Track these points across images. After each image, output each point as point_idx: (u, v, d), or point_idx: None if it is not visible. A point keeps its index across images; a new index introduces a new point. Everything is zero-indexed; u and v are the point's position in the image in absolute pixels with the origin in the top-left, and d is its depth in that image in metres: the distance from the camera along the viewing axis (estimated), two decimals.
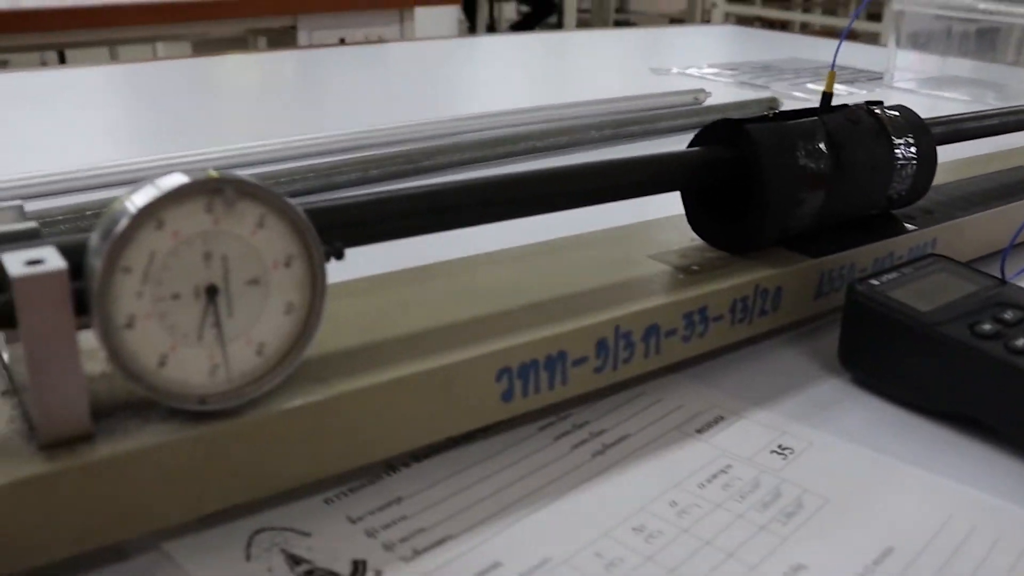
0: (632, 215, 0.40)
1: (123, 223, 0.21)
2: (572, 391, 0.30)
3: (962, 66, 1.00)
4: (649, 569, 0.24)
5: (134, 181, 0.51)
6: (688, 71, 1.01)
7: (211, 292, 0.23)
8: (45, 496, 0.21)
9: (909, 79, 0.99)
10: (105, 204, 0.45)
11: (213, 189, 0.22)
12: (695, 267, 0.35)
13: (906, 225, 0.42)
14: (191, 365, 0.23)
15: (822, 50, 1.23)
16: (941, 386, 0.32)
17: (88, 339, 0.22)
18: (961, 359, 0.31)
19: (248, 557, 0.24)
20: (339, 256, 0.25)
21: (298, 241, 0.23)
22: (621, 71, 1.08)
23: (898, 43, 0.99)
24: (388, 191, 0.27)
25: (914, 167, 0.40)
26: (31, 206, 0.43)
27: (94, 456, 0.22)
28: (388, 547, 0.25)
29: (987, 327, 0.32)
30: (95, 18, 1.57)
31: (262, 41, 1.94)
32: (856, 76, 1.02)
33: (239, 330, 0.23)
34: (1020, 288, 0.35)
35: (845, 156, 0.37)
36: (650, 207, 0.38)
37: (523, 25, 4.29)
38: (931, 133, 0.41)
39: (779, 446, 0.30)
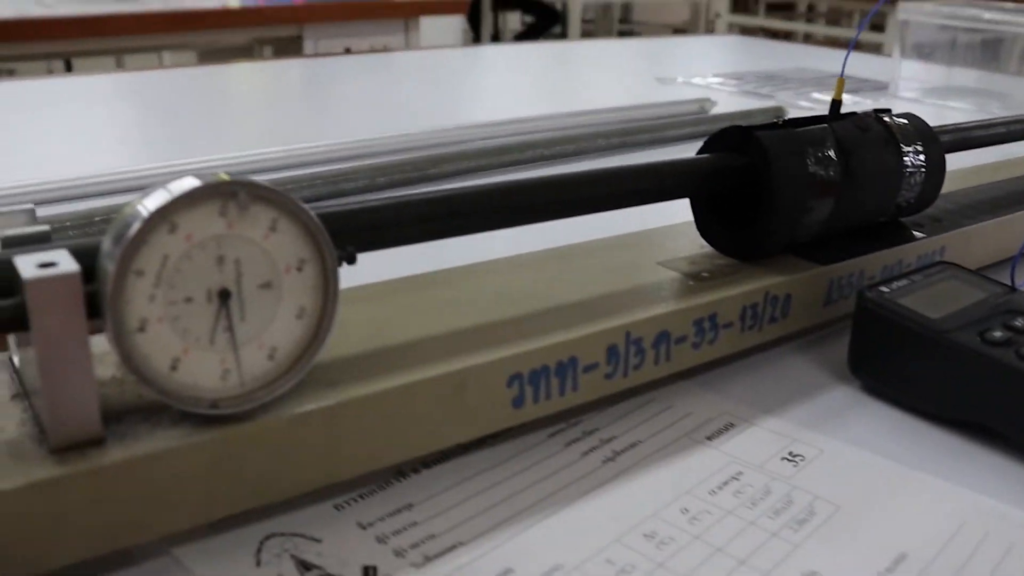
0: (635, 223, 0.40)
1: (136, 226, 0.21)
2: (583, 397, 0.30)
3: (967, 76, 1.00)
4: None
5: (141, 188, 0.51)
6: (693, 80, 1.01)
7: (223, 296, 0.22)
8: (56, 500, 0.21)
9: (914, 89, 0.99)
10: (113, 210, 0.45)
11: (227, 192, 0.22)
12: (705, 274, 0.35)
13: (914, 233, 0.42)
14: (203, 369, 0.23)
15: (826, 60, 1.23)
16: (951, 393, 0.32)
17: (98, 343, 0.22)
18: (972, 366, 0.31)
19: (258, 563, 0.24)
20: (351, 261, 0.25)
21: (311, 245, 0.23)
22: (626, 80, 1.08)
23: (903, 53, 0.99)
24: (400, 196, 0.27)
25: (923, 175, 0.40)
26: (39, 212, 0.44)
27: (105, 460, 0.22)
28: (399, 553, 0.25)
29: (998, 334, 0.32)
30: (102, 27, 1.58)
31: (268, 50, 1.94)
32: (861, 86, 1.02)
33: (251, 334, 0.23)
34: None
35: (854, 163, 0.37)
36: (651, 215, 0.38)
37: (527, 35, 4.30)
38: (939, 141, 0.41)
39: (790, 453, 0.30)
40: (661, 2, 4.75)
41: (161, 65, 1.84)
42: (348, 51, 1.83)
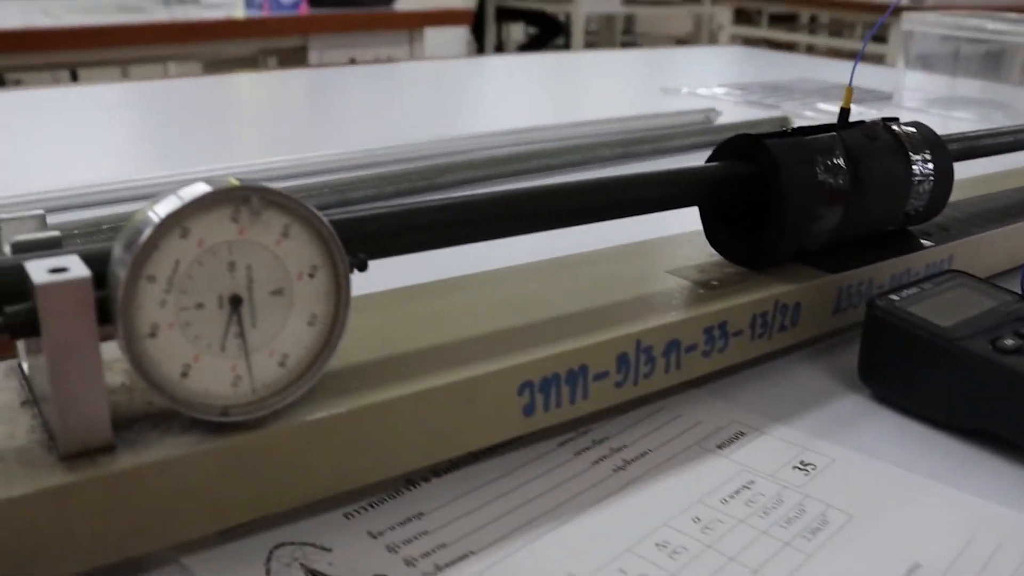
0: (638, 232, 0.39)
1: (148, 231, 0.21)
2: (593, 406, 0.30)
3: (970, 87, 1.00)
4: None
5: (148, 197, 0.51)
6: (698, 91, 1.01)
7: (235, 302, 0.22)
8: (66, 507, 0.21)
9: (917, 99, 0.99)
10: (120, 219, 0.45)
11: (239, 197, 0.22)
12: (714, 282, 0.35)
13: (923, 241, 0.42)
14: (214, 376, 0.23)
15: (830, 71, 1.23)
16: (963, 401, 0.32)
17: (107, 351, 0.22)
18: (983, 374, 0.31)
19: (268, 572, 0.24)
20: (362, 268, 0.24)
21: (323, 251, 0.23)
22: (631, 90, 1.08)
23: (906, 63, 0.99)
24: (411, 203, 0.27)
25: (931, 183, 0.40)
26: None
27: (115, 467, 0.22)
28: (410, 562, 0.24)
29: (1009, 342, 0.31)
30: (108, 38, 1.59)
31: (272, 61, 1.95)
32: (865, 96, 1.02)
33: (262, 341, 0.23)
34: None
35: (863, 172, 0.37)
36: (655, 224, 0.38)
37: (531, 47, 4.31)
38: (948, 149, 0.41)
39: (801, 462, 0.30)
40: (664, 14, 4.76)
41: (166, 75, 1.85)
42: (353, 61, 1.84)
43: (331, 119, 0.85)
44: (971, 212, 0.47)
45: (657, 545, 0.26)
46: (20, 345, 0.26)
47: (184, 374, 0.22)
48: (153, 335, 0.22)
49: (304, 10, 1.91)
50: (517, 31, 4.66)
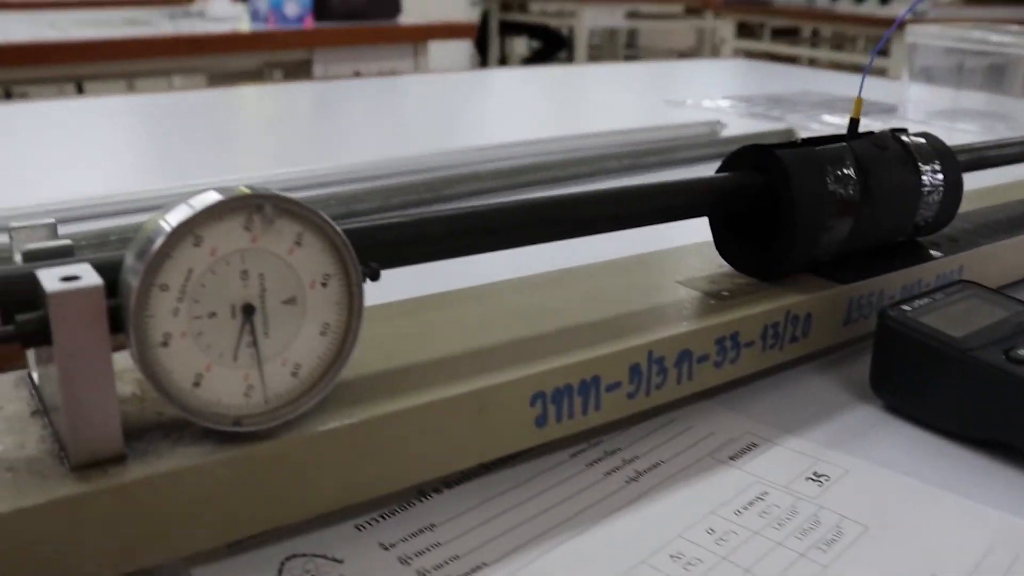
0: (642, 245, 0.39)
1: (162, 239, 0.21)
2: (605, 417, 0.30)
3: (973, 99, 1.00)
4: None
5: (155, 208, 0.51)
6: (702, 103, 1.01)
7: (247, 311, 0.22)
8: (77, 518, 0.21)
9: (922, 111, 0.99)
10: (128, 230, 0.45)
11: (252, 205, 0.21)
12: (725, 292, 0.35)
13: (932, 252, 0.41)
14: (226, 385, 0.22)
15: (833, 83, 1.23)
16: (976, 412, 0.32)
17: (118, 361, 0.22)
18: (996, 384, 0.31)
19: None
20: (374, 277, 0.24)
21: (336, 260, 0.23)
22: (636, 103, 1.09)
23: (911, 76, 1.00)
24: (423, 212, 0.27)
25: (940, 193, 0.40)
26: None
27: (126, 477, 0.22)
28: (422, 574, 0.24)
29: (1022, 352, 0.31)
30: (114, 51, 1.59)
31: (277, 74, 1.96)
32: (869, 108, 1.02)
33: (275, 350, 0.23)
34: None
35: (873, 182, 0.36)
36: (661, 236, 0.38)
37: (534, 61, 4.33)
38: (957, 160, 0.41)
39: (814, 473, 0.30)
40: (666, 28, 4.78)
41: (172, 89, 1.85)
42: (357, 75, 1.85)
43: (336, 131, 0.85)
44: (979, 223, 0.47)
45: (672, 557, 0.25)
46: (30, 355, 0.26)
47: (196, 384, 0.22)
48: (165, 344, 0.21)
49: (309, 24, 1.92)
50: (520, 45, 4.68)
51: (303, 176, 0.60)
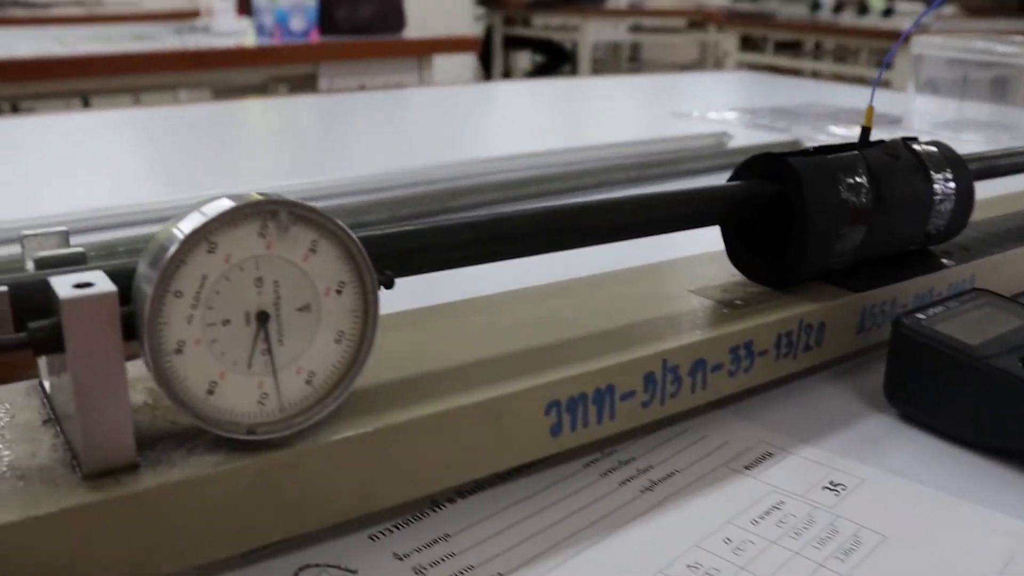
0: (649, 255, 0.39)
1: (176, 245, 0.21)
2: (620, 426, 0.29)
3: (978, 110, 1.01)
4: None
5: (162, 220, 0.51)
6: (707, 115, 1.01)
7: (262, 318, 0.22)
8: (89, 527, 0.21)
9: (927, 122, 0.99)
10: (137, 241, 0.45)
11: (267, 212, 0.21)
12: (738, 301, 0.34)
13: (943, 261, 0.41)
14: (240, 393, 0.22)
15: (838, 95, 1.23)
16: (992, 420, 0.31)
17: (129, 369, 0.22)
18: (1013, 392, 0.31)
19: None
20: (389, 285, 0.24)
21: (351, 268, 0.23)
22: (641, 115, 1.09)
23: (916, 88, 1.00)
24: (438, 221, 0.27)
25: (952, 202, 0.40)
26: None
27: (139, 487, 0.21)
28: None
29: None
30: (120, 66, 1.60)
31: (283, 88, 1.96)
32: (875, 119, 1.02)
33: (289, 358, 0.23)
34: None
35: (885, 190, 0.36)
36: (669, 246, 0.38)
37: (538, 75, 4.34)
38: (968, 168, 0.41)
39: (830, 482, 0.30)
40: (670, 41, 4.79)
41: (177, 102, 1.86)
42: (363, 88, 1.85)
43: (342, 144, 0.85)
44: (990, 232, 0.47)
45: (689, 567, 0.25)
46: (42, 363, 0.26)
47: (210, 391, 0.22)
48: (179, 351, 0.21)
49: (315, 38, 1.93)
50: (524, 59, 4.70)
51: (309, 188, 0.60)
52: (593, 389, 0.28)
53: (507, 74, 4.30)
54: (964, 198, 0.41)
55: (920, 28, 2.64)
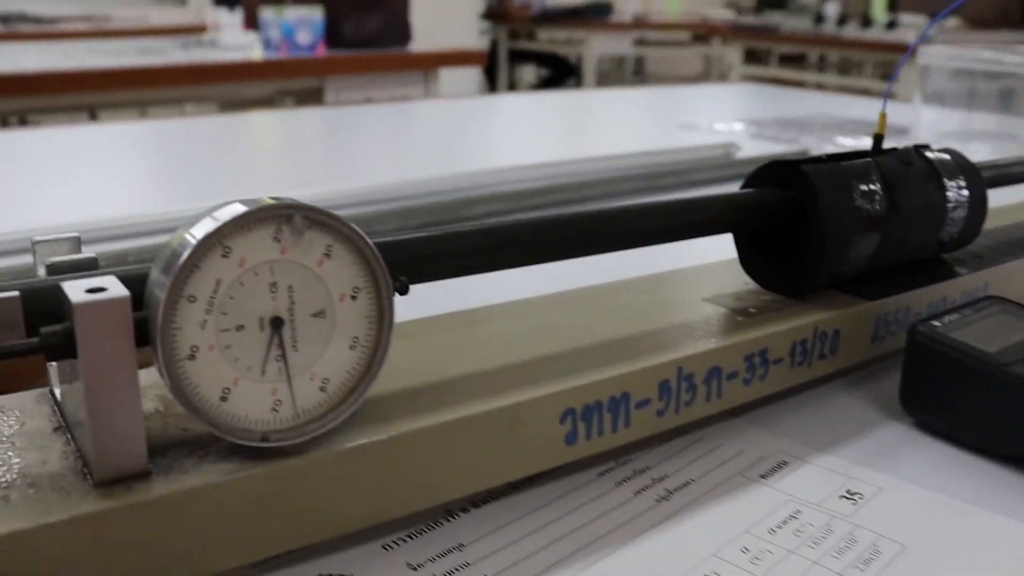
0: (656, 266, 0.39)
1: (191, 248, 0.20)
2: (634, 435, 0.29)
3: (985, 120, 1.00)
4: None
5: (171, 230, 0.51)
6: (714, 126, 1.01)
7: (276, 324, 0.22)
8: (100, 535, 0.21)
9: (934, 133, 0.99)
10: (147, 251, 0.44)
11: (282, 216, 0.21)
12: (752, 309, 0.34)
13: (957, 269, 0.41)
14: (254, 400, 0.22)
15: (843, 107, 1.23)
16: (1009, 428, 0.31)
17: (140, 377, 0.21)
18: None
19: None
20: (403, 292, 0.24)
21: (366, 273, 0.23)
22: (648, 127, 1.09)
23: (923, 98, 1.00)
24: (453, 227, 0.27)
25: (966, 209, 0.40)
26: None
27: (151, 494, 0.21)
28: None
29: None
30: (128, 80, 1.60)
31: (289, 102, 1.97)
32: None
33: (303, 364, 0.22)
34: None
35: (899, 197, 0.36)
36: (676, 256, 0.38)
37: (543, 88, 4.36)
38: (981, 176, 0.41)
39: (847, 491, 0.29)
40: (674, 55, 4.81)
41: (184, 115, 1.86)
42: (369, 101, 1.86)
43: (348, 156, 0.85)
44: (1002, 240, 0.47)
45: None
46: (52, 371, 0.25)
47: (223, 398, 0.22)
48: (193, 357, 0.21)
49: (321, 52, 1.94)
50: (529, 73, 4.72)
51: (317, 199, 0.60)
52: (608, 397, 0.28)
53: (512, 87, 4.31)
54: (977, 206, 0.40)
55: (925, 40, 2.64)
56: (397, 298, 0.24)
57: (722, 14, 4.79)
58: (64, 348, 0.21)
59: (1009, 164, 0.47)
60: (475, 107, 1.25)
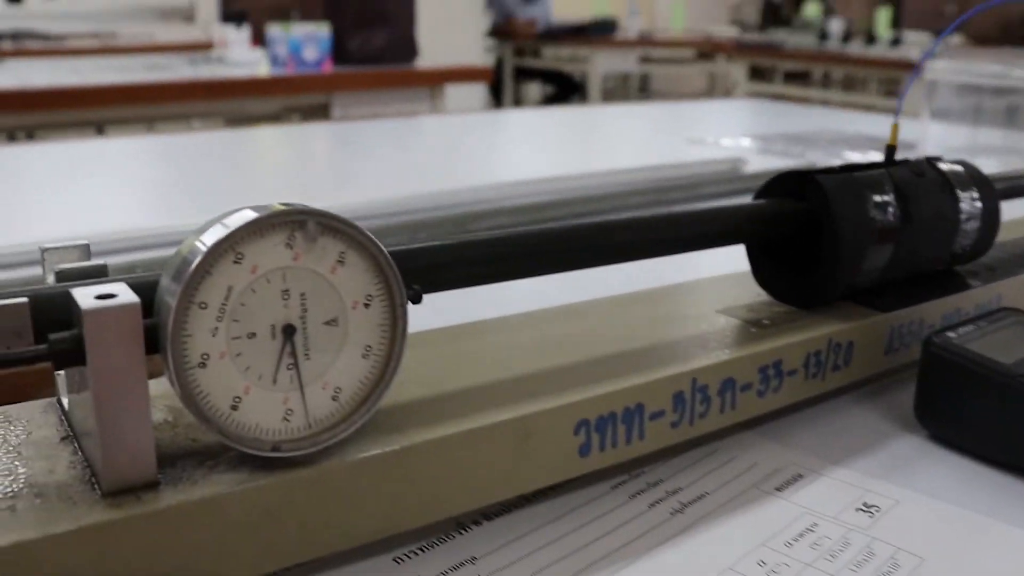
0: (664, 278, 0.39)
1: (202, 254, 0.20)
2: (648, 447, 0.29)
3: (991, 136, 1.00)
4: None
5: (177, 243, 0.51)
6: (721, 141, 1.01)
7: (288, 332, 0.22)
8: (108, 545, 0.20)
9: (941, 148, 0.99)
10: (154, 262, 0.44)
11: (295, 222, 0.21)
12: (765, 321, 0.34)
13: (970, 281, 0.41)
14: (265, 409, 0.22)
15: (849, 122, 1.23)
16: None
17: (149, 387, 0.21)
18: None
19: None
20: (416, 300, 0.24)
21: (379, 281, 0.22)
22: (655, 142, 1.09)
23: (930, 114, 1.00)
24: (467, 236, 0.26)
25: (979, 221, 0.39)
26: None
27: (160, 505, 0.21)
28: None
29: None
30: (135, 95, 1.61)
31: (296, 118, 1.97)
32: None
33: (315, 373, 0.22)
34: None
35: (912, 208, 0.36)
36: (682, 268, 0.37)
37: (548, 105, 4.37)
38: (994, 188, 0.41)
39: (864, 504, 0.29)
40: (678, 72, 4.82)
41: (192, 130, 1.87)
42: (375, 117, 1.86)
43: (355, 170, 0.85)
44: (1015, 252, 0.46)
45: None
46: (59, 380, 0.25)
47: (234, 407, 0.21)
48: (203, 365, 0.21)
49: (328, 68, 1.94)
50: (534, 90, 4.73)
51: None
52: (622, 408, 0.27)
53: (517, 105, 4.33)
54: (990, 217, 0.40)
55: (931, 57, 2.64)
56: (409, 308, 0.24)
57: (726, 31, 4.81)
58: (73, 355, 0.20)
59: (1021, 176, 0.47)
60: (482, 122, 1.25)
